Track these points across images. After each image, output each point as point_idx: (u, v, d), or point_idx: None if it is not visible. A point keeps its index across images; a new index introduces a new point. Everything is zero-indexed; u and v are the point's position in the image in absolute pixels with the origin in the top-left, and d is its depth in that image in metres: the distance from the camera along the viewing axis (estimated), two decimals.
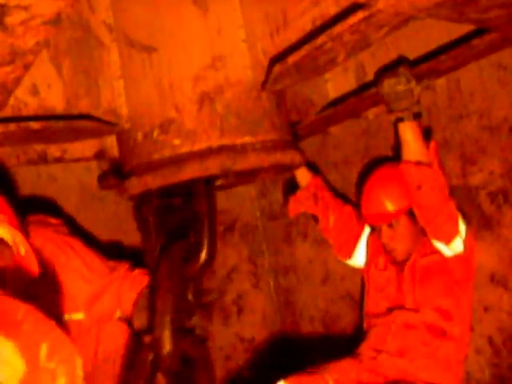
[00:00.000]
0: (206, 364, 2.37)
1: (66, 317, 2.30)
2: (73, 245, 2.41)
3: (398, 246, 2.47)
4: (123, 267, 2.46)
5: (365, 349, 2.53)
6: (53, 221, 2.52)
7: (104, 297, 2.37)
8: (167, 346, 2.26)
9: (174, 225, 2.46)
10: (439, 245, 2.33)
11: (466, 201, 2.50)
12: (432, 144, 2.24)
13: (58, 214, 2.89)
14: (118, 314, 2.39)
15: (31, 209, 2.82)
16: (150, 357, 2.29)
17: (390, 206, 2.44)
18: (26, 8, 1.18)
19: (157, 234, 2.48)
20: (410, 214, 2.39)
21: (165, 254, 2.38)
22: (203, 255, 2.33)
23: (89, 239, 2.88)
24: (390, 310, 2.50)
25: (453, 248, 2.31)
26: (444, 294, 2.36)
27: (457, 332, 2.36)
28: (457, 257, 2.33)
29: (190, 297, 2.44)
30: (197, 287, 2.46)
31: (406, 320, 2.41)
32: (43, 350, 1.04)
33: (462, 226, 2.30)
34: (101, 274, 2.40)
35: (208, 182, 2.31)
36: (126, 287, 2.41)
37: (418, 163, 2.19)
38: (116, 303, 2.39)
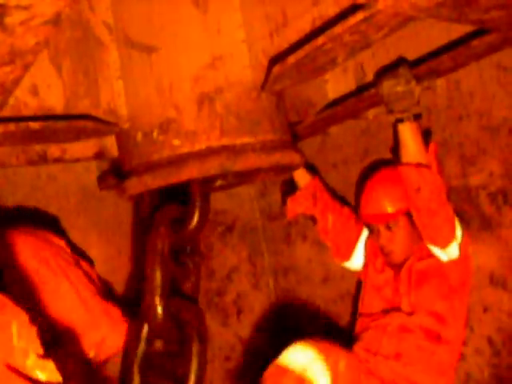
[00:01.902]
0: (199, 326, 2.36)
1: None
2: (69, 275, 2.40)
3: (396, 248, 2.46)
4: (115, 313, 2.46)
5: (359, 350, 2.51)
6: (56, 241, 2.51)
7: (87, 334, 2.37)
8: (159, 312, 2.28)
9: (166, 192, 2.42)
10: (435, 249, 2.33)
11: (465, 201, 2.50)
12: (431, 146, 2.23)
13: (58, 215, 2.90)
14: (91, 354, 2.39)
15: (31, 210, 2.83)
16: (145, 328, 2.32)
17: (388, 207, 2.44)
18: (26, 8, 1.18)
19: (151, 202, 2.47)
20: (409, 217, 2.38)
21: (156, 216, 2.36)
22: (195, 218, 2.31)
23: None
24: (385, 312, 2.50)
25: (448, 253, 2.31)
26: (439, 298, 2.36)
27: (451, 336, 2.36)
28: (452, 262, 2.33)
29: (185, 260, 2.45)
30: (193, 250, 2.46)
31: (401, 323, 2.41)
32: (14, 329, 1.10)
33: (459, 230, 2.30)
34: (91, 311, 2.40)
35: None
36: (111, 337, 2.42)
37: (418, 166, 2.18)
38: (96, 345, 2.39)
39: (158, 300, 2.29)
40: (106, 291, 2.60)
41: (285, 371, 2.33)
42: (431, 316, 2.36)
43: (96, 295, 2.46)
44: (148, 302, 2.30)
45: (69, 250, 2.53)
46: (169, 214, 2.35)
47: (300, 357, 2.34)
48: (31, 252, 2.34)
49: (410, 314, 2.40)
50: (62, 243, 2.53)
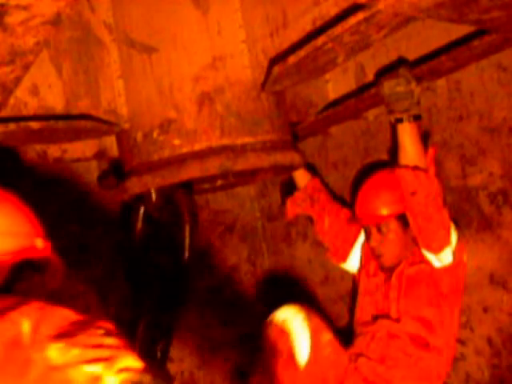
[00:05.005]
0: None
1: None
2: None
3: (386, 251, 2.43)
4: None
5: (348, 354, 2.51)
6: None
7: None
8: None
9: None
10: (428, 255, 2.31)
11: (465, 202, 2.50)
12: (430, 150, 2.22)
13: (58, 215, 2.90)
14: None
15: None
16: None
17: (381, 209, 2.42)
18: (26, 8, 1.18)
19: None
20: (401, 221, 2.37)
21: None
22: None
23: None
24: (375, 318, 2.48)
25: (442, 259, 2.28)
26: (428, 304, 2.33)
27: (440, 344, 2.33)
28: (444, 268, 2.30)
29: None
30: None
31: (389, 329, 2.39)
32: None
33: (454, 236, 2.28)
34: None
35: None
36: None
37: (415, 169, 2.17)
38: None
39: None
40: None
41: (269, 324, 2.37)
42: (419, 322, 2.33)
43: None
44: None
45: None
46: None
47: (283, 312, 2.36)
48: None
49: (398, 320, 2.38)
50: None
